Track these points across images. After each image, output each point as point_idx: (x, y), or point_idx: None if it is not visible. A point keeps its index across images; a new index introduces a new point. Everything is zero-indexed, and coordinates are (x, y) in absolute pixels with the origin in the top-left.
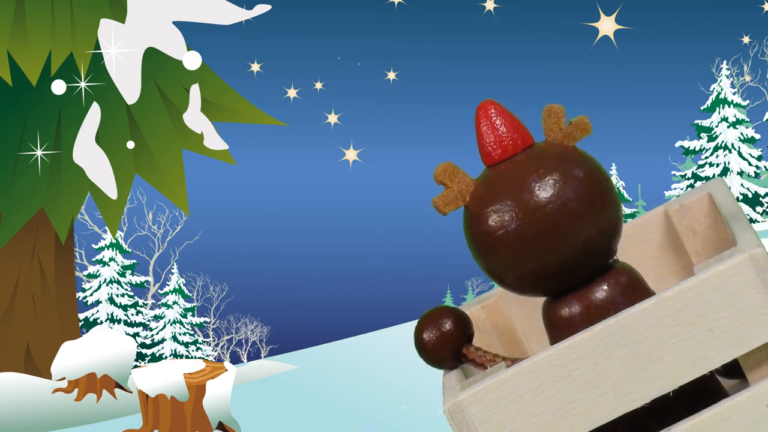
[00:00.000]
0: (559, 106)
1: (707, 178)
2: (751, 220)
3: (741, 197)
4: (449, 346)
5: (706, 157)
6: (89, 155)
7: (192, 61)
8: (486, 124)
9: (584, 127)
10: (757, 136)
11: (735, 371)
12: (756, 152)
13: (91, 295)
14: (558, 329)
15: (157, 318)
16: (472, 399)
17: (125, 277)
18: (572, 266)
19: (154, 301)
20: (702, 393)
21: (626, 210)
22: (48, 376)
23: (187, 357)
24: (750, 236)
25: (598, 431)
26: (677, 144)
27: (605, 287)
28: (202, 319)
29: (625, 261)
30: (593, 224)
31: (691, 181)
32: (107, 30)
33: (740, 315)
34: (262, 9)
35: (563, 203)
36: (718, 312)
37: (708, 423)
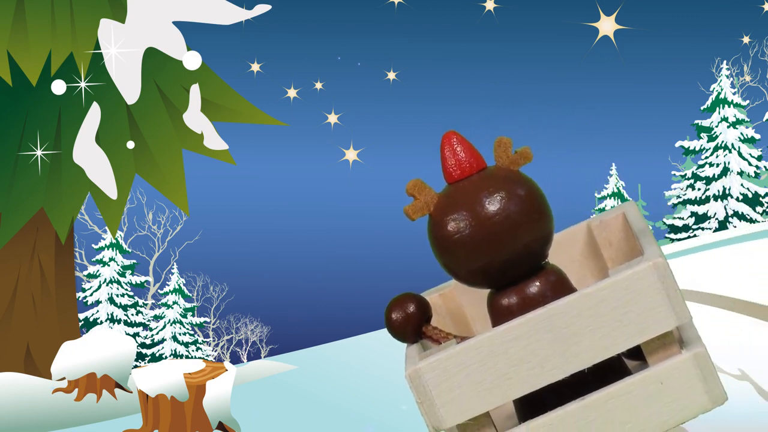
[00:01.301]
0: (508, 138)
1: (707, 178)
2: (751, 220)
3: (741, 197)
4: (412, 325)
5: (706, 157)
6: (89, 155)
7: (192, 61)
8: (449, 150)
9: (527, 156)
10: (757, 136)
11: (638, 354)
12: (756, 152)
13: (91, 295)
14: (499, 315)
15: (157, 318)
16: (428, 367)
17: (125, 277)
18: (512, 266)
19: (154, 301)
20: (611, 370)
21: None
22: (48, 376)
23: (187, 357)
24: (654, 249)
25: (528, 398)
26: (677, 144)
27: (537, 283)
28: (202, 319)
29: (554, 263)
30: (530, 233)
31: (691, 181)
32: (107, 30)
33: (644, 310)
34: (262, 9)
35: (507, 215)
36: (627, 307)
37: (614, 394)
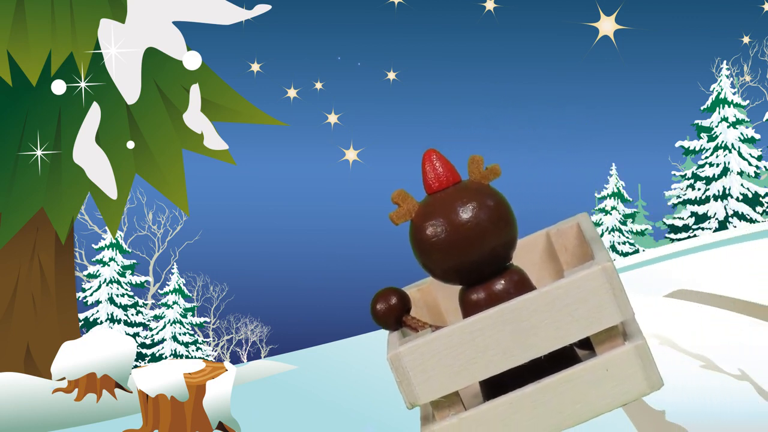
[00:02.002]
0: (480, 156)
1: (707, 178)
2: (751, 220)
3: (741, 197)
4: (393, 315)
5: (706, 157)
6: (89, 155)
7: (192, 61)
8: (429, 165)
9: (496, 172)
10: (757, 136)
11: (587, 345)
12: (756, 152)
13: (91, 295)
14: (468, 308)
15: (157, 318)
16: (407, 351)
17: (125, 277)
18: (481, 266)
19: (154, 301)
20: (564, 358)
21: (626, 210)
22: (48, 376)
23: (187, 357)
24: (604, 254)
25: (492, 380)
26: (677, 144)
27: (502, 282)
28: (202, 319)
29: (517, 265)
30: (497, 238)
31: (691, 181)
32: (107, 30)
33: (593, 307)
34: (262, 9)
35: (478, 222)
36: (578, 304)
37: (566, 379)
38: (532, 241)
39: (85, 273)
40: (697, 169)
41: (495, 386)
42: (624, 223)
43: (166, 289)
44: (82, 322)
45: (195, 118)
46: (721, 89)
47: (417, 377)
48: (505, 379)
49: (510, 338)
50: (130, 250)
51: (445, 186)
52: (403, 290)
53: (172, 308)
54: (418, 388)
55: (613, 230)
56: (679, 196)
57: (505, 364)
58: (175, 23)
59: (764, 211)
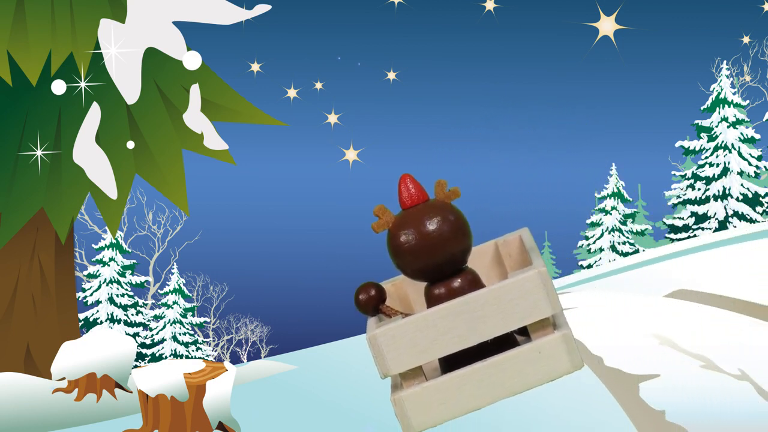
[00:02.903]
0: (444, 180)
1: (707, 178)
2: (751, 220)
3: (741, 197)
4: (372, 304)
5: (706, 157)
6: (89, 155)
7: (192, 61)
8: (404, 186)
9: (457, 193)
10: (757, 136)
11: (524, 332)
12: (756, 152)
13: (91, 295)
14: (431, 300)
15: (157, 318)
16: (382, 333)
17: (125, 277)
18: (442, 267)
19: (154, 301)
20: (506, 342)
21: (627, 210)
22: (48, 376)
23: (187, 357)
24: (540, 261)
25: (448, 358)
26: (677, 144)
27: (459, 280)
28: (202, 319)
29: (471, 267)
30: (456, 246)
31: (691, 181)
32: (107, 30)
33: (530, 302)
34: (262, 9)
35: (441, 233)
36: (518, 300)
37: (507, 358)
38: (483, 249)
39: (85, 273)
40: (697, 169)
41: (451, 362)
42: (624, 223)
43: (166, 289)
44: (82, 322)
45: (195, 118)
46: (721, 89)
47: (389, 354)
48: (459, 357)
49: (464, 325)
50: (130, 250)
51: (416, 203)
52: (380, 284)
53: (172, 308)
54: (390, 363)
55: (613, 230)
56: (679, 196)
57: (460, 345)
58: (175, 23)
59: (764, 211)
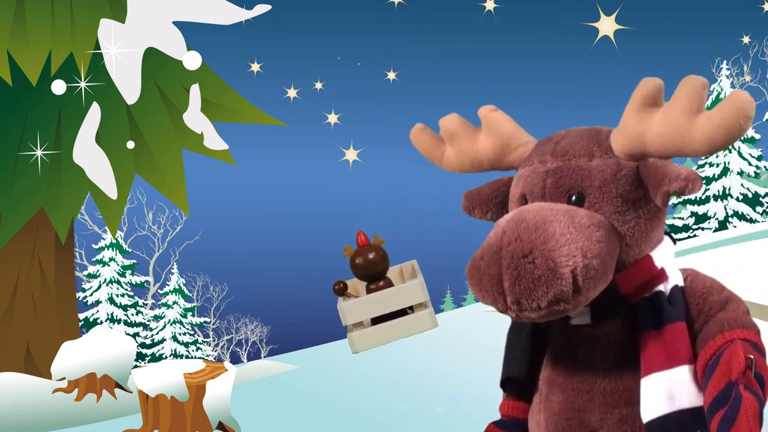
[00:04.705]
0: (381, 237)
1: (707, 178)
2: (751, 220)
3: (741, 197)
4: (341, 291)
5: (706, 157)
6: (89, 155)
7: (192, 61)
8: (358, 238)
9: (383, 241)
10: (757, 136)
11: (413, 308)
12: (756, 152)
13: (91, 295)
14: (369, 292)
15: (157, 318)
16: (345, 305)
17: (125, 277)
18: (375, 276)
19: (154, 301)
20: (403, 312)
21: None
22: (48, 376)
23: (187, 357)
24: (421, 276)
25: (375, 318)
26: None
27: (382, 282)
28: (202, 319)
29: (388, 276)
30: (381, 266)
31: None
32: (107, 30)
33: (415, 294)
34: (262, 9)
35: (374, 259)
36: (410, 292)
37: (402, 320)
38: (394, 268)
39: (85, 273)
40: (696, 169)
41: (375, 320)
42: None
43: (166, 289)
44: (82, 322)
45: (195, 118)
46: (721, 89)
47: (348, 314)
48: (382, 318)
49: (383, 303)
50: (130, 250)
51: (363, 245)
52: (345, 281)
53: (172, 308)
54: (347, 318)
55: None
56: (679, 196)
57: (380, 312)
58: (175, 23)
59: (764, 211)
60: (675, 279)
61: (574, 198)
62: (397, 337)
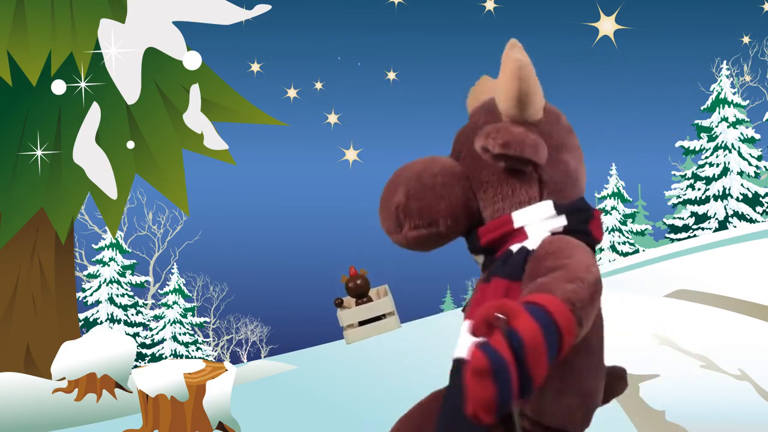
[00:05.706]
0: (360, 270)
1: (707, 178)
2: (751, 220)
3: (741, 197)
4: (339, 304)
5: (706, 157)
6: (89, 155)
7: (192, 61)
8: (350, 270)
9: (365, 273)
10: (757, 136)
11: (385, 315)
12: (756, 152)
13: (91, 295)
14: (357, 305)
15: (157, 318)
16: (343, 313)
17: (125, 277)
18: (361, 294)
19: (154, 301)
20: (379, 318)
21: (626, 210)
22: (48, 376)
23: (187, 357)
24: (389, 295)
25: (362, 321)
26: (677, 144)
27: (365, 299)
28: (202, 319)
29: (370, 295)
30: (364, 288)
31: (691, 181)
32: (107, 30)
33: (386, 305)
34: (262, 9)
35: (361, 285)
36: (382, 306)
37: (378, 323)
38: (373, 289)
39: (85, 273)
40: (697, 169)
41: (363, 323)
42: (624, 223)
43: (166, 289)
44: (82, 322)
45: (195, 118)
46: (721, 89)
47: (343, 319)
48: (365, 322)
49: (367, 312)
50: (130, 250)
51: (355, 274)
52: (342, 298)
53: (172, 308)
54: (344, 321)
55: (613, 230)
56: (679, 196)
57: (365, 317)
58: (175, 23)
59: (764, 211)
60: (531, 243)
61: (460, 155)
62: (375, 333)
